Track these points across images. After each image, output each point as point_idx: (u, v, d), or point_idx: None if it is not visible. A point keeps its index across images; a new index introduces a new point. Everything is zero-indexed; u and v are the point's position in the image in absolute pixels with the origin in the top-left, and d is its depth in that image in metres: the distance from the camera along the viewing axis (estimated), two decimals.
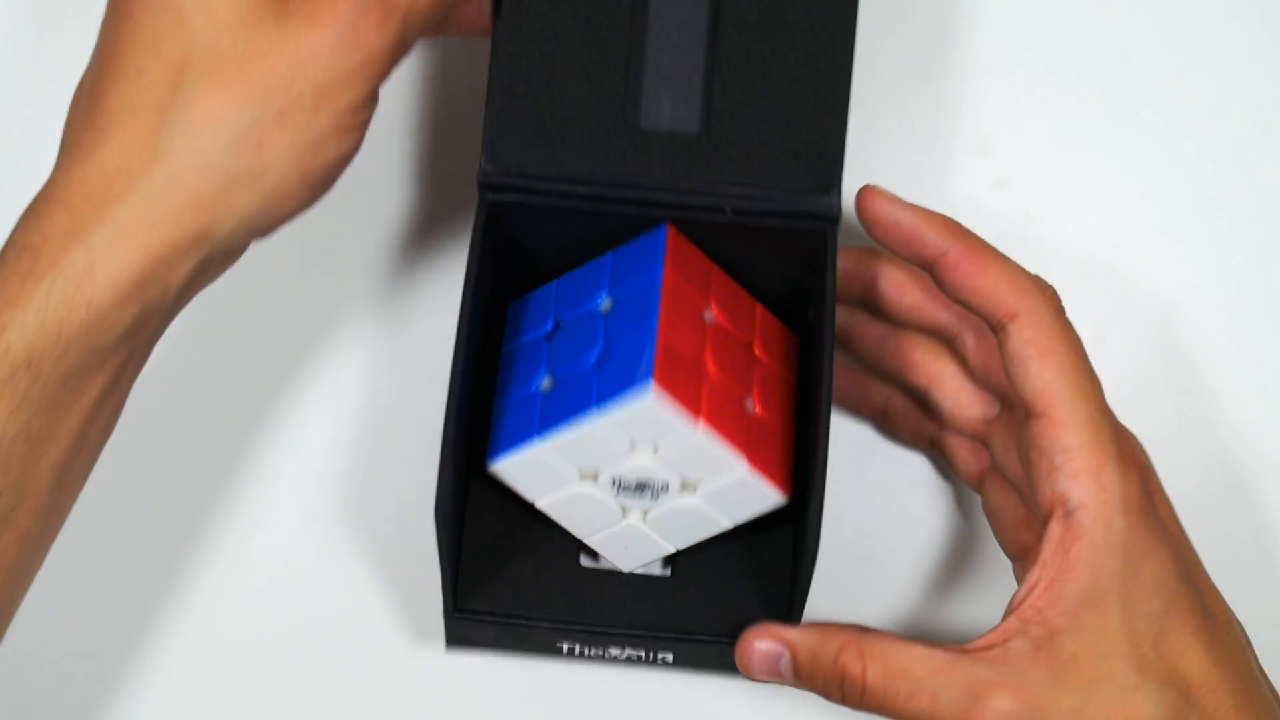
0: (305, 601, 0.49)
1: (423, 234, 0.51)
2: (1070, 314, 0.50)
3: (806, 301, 0.46)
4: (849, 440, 0.49)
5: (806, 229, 0.43)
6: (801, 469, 0.44)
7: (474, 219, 0.43)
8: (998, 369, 0.44)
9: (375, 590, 0.49)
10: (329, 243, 0.50)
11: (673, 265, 0.43)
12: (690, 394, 0.41)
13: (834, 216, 0.43)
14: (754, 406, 0.43)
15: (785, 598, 0.45)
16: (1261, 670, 0.42)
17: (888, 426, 0.49)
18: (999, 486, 0.46)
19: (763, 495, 0.43)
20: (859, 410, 0.49)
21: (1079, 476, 0.40)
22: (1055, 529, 0.40)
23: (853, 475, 0.49)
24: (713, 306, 0.44)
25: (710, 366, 0.42)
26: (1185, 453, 0.50)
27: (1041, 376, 0.40)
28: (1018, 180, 0.51)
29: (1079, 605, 0.39)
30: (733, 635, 0.43)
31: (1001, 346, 0.41)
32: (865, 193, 0.43)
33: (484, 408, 0.45)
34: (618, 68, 0.43)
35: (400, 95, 0.51)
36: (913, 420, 0.48)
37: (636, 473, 0.42)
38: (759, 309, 0.45)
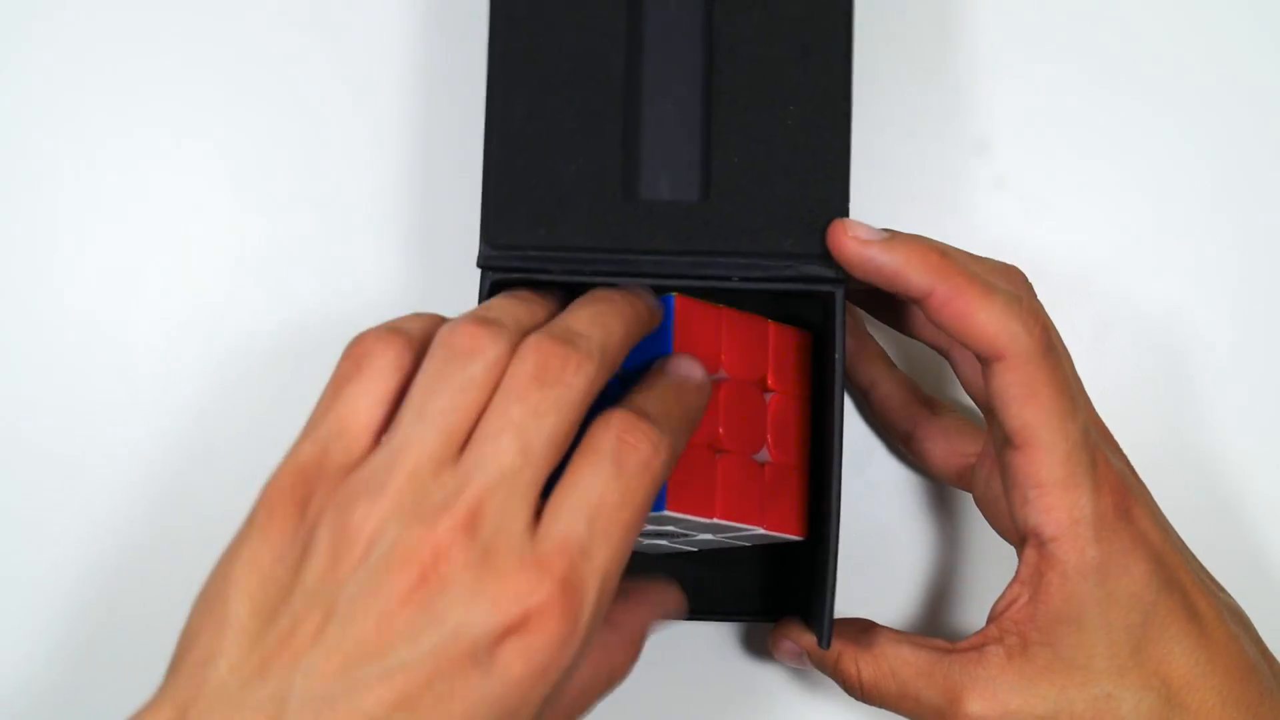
0: None
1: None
2: (1070, 314, 0.50)
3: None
4: (849, 438, 0.49)
5: (813, 291, 0.43)
6: (816, 502, 0.45)
7: (478, 298, 0.43)
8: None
9: None
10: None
11: (681, 338, 0.43)
12: (704, 491, 0.42)
13: (841, 280, 0.43)
14: (769, 454, 0.44)
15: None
16: (1265, 656, 0.43)
17: (868, 408, 0.50)
18: (996, 475, 0.46)
19: (781, 537, 0.45)
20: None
21: (1052, 511, 0.41)
22: (1030, 555, 0.41)
23: (852, 474, 0.49)
24: (723, 358, 0.44)
25: (723, 438, 0.43)
26: (1184, 453, 0.50)
27: (1022, 416, 0.40)
28: (1018, 180, 0.51)
29: (1053, 624, 0.41)
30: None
31: (987, 381, 0.41)
32: (835, 231, 0.42)
33: None
34: (614, 142, 0.43)
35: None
36: (893, 407, 0.48)
37: (660, 535, 0.44)
38: (770, 328, 0.45)
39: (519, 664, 0.34)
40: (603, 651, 0.39)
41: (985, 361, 0.41)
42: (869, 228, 0.42)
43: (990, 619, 0.42)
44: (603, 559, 0.35)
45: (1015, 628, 0.41)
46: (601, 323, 0.39)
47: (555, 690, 0.35)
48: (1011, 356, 0.40)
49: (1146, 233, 0.51)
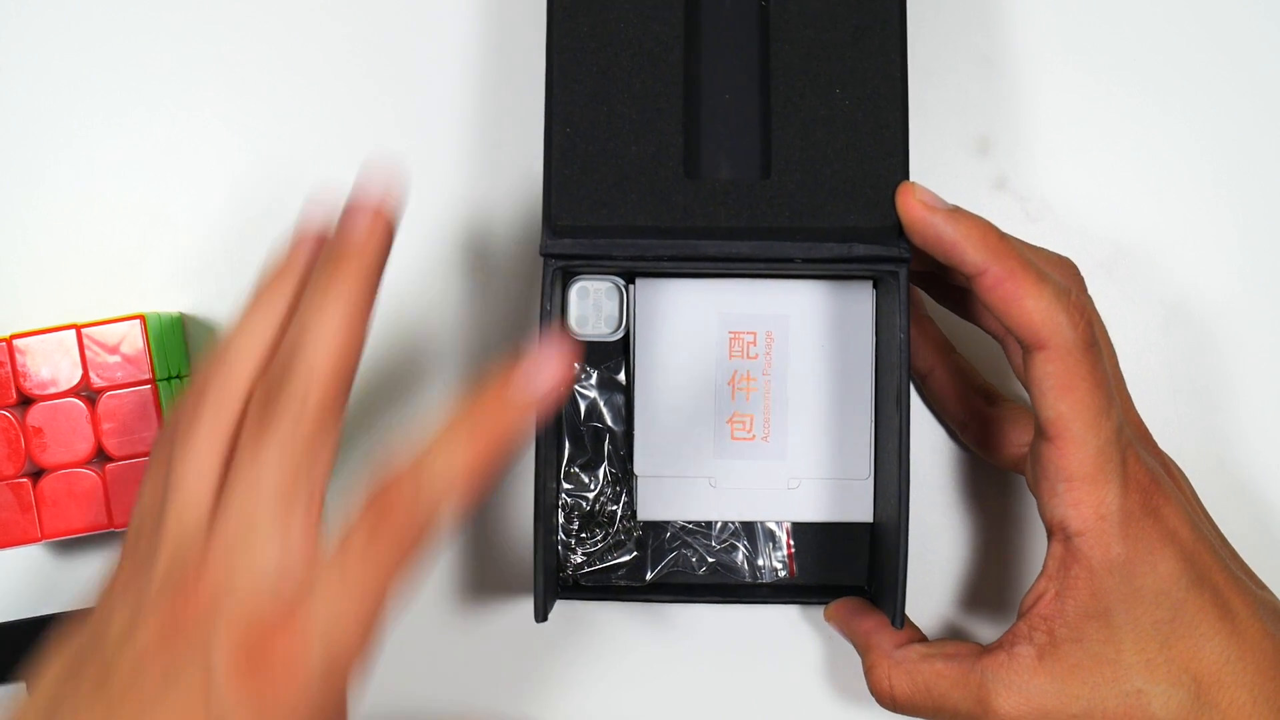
0: None
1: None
2: None
3: None
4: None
5: (877, 271, 0.43)
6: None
7: (541, 283, 0.43)
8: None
9: None
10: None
11: None
12: None
13: (905, 259, 0.43)
14: None
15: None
16: None
17: (925, 393, 0.50)
18: None
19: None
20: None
21: (1079, 506, 0.41)
22: (1057, 549, 0.42)
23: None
24: None
25: None
26: (1185, 453, 0.50)
27: (1057, 407, 0.41)
28: (1018, 180, 0.51)
29: (1081, 619, 0.41)
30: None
31: (1027, 369, 0.41)
32: (904, 193, 0.42)
33: None
34: (674, 125, 0.43)
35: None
36: (950, 395, 0.49)
37: None
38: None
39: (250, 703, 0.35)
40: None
41: (1027, 349, 0.41)
42: (936, 196, 0.42)
43: (1020, 614, 0.43)
44: (340, 610, 0.36)
45: (1043, 624, 0.42)
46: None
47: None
48: (1053, 347, 0.40)
49: (1147, 232, 0.51)
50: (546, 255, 0.43)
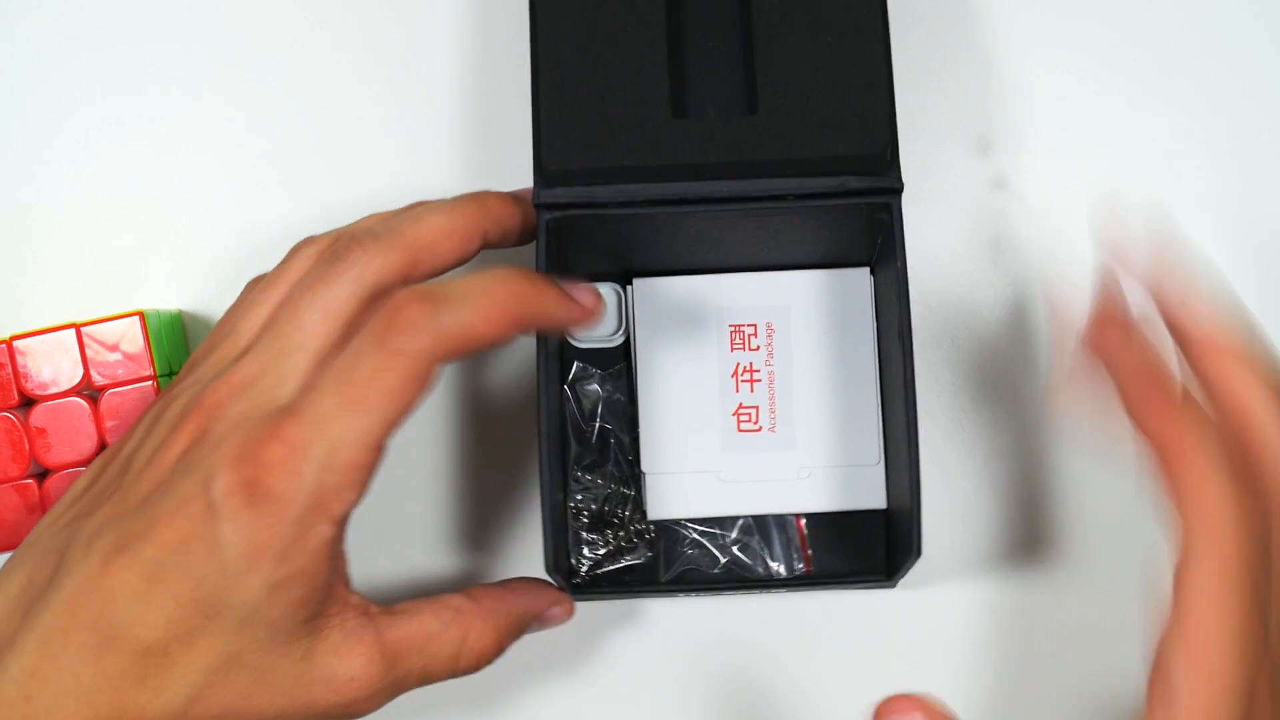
0: None
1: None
2: (1070, 314, 0.50)
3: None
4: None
5: (870, 203, 0.43)
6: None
7: (537, 238, 0.43)
8: None
9: None
10: None
11: None
12: None
13: (897, 189, 0.43)
14: None
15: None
16: None
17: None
18: None
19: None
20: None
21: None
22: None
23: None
24: None
25: None
26: None
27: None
28: (1018, 180, 0.51)
29: None
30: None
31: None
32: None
33: None
34: (660, 70, 0.43)
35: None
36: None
37: None
38: None
39: (245, 513, 0.37)
40: (455, 616, 0.41)
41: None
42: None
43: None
44: (340, 428, 0.37)
45: None
46: (419, 218, 0.42)
47: (318, 565, 0.38)
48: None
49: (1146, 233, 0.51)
50: (539, 206, 0.43)
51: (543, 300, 0.40)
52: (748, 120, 0.43)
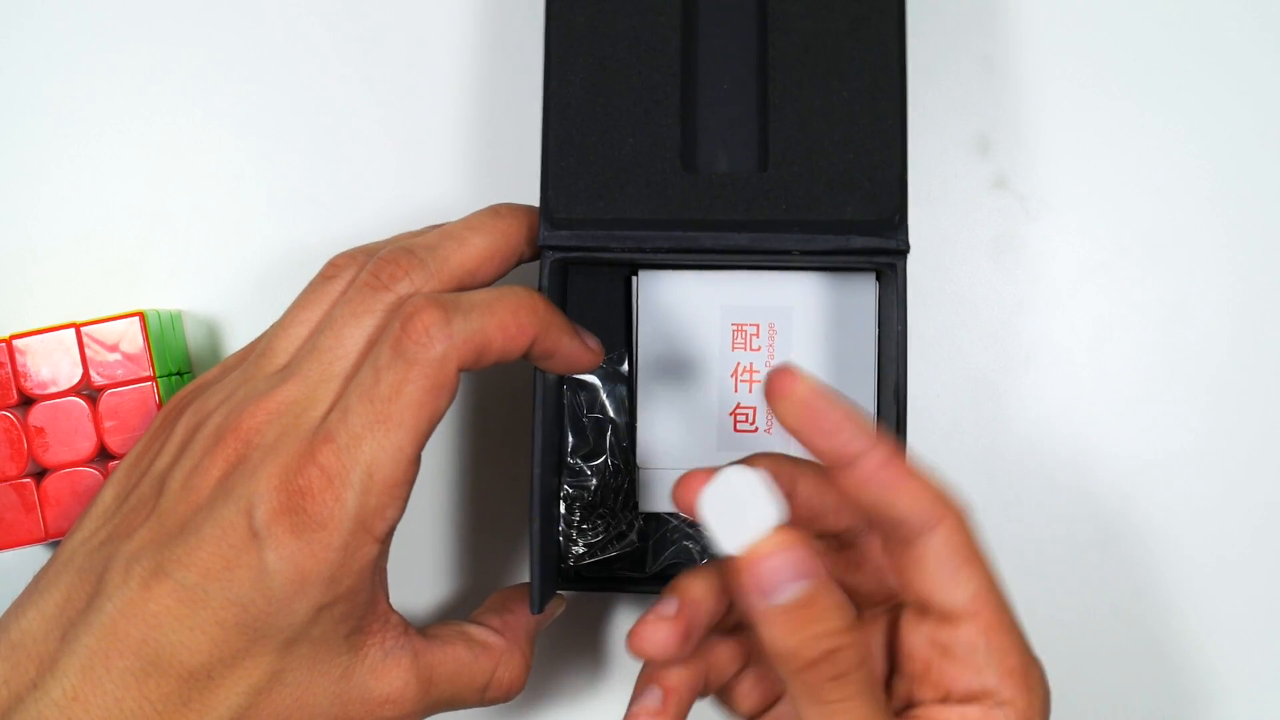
0: None
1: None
2: (1070, 314, 0.51)
3: None
4: None
5: (874, 264, 0.43)
6: None
7: (538, 276, 0.43)
8: (889, 572, 0.41)
9: None
10: None
11: None
12: None
13: (903, 250, 0.43)
14: None
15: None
16: None
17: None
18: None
19: None
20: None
21: (1012, 676, 0.38)
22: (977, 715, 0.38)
23: None
24: None
25: None
26: (1185, 453, 0.50)
27: (973, 582, 0.38)
28: (1018, 180, 0.51)
29: None
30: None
31: (919, 553, 0.38)
32: (783, 375, 0.36)
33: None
34: (672, 118, 0.43)
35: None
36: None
37: None
38: None
39: (290, 541, 0.37)
40: (485, 650, 0.42)
41: (916, 534, 0.37)
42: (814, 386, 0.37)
43: None
44: (373, 448, 0.37)
45: None
46: (459, 237, 0.42)
47: (358, 590, 0.38)
48: (950, 522, 0.37)
49: (1146, 232, 0.51)
50: (545, 247, 0.43)
51: (554, 320, 0.40)
52: (757, 177, 0.43)
